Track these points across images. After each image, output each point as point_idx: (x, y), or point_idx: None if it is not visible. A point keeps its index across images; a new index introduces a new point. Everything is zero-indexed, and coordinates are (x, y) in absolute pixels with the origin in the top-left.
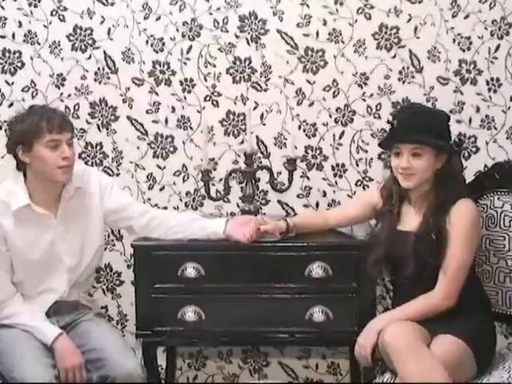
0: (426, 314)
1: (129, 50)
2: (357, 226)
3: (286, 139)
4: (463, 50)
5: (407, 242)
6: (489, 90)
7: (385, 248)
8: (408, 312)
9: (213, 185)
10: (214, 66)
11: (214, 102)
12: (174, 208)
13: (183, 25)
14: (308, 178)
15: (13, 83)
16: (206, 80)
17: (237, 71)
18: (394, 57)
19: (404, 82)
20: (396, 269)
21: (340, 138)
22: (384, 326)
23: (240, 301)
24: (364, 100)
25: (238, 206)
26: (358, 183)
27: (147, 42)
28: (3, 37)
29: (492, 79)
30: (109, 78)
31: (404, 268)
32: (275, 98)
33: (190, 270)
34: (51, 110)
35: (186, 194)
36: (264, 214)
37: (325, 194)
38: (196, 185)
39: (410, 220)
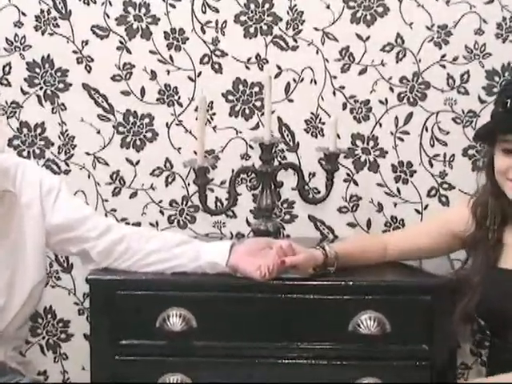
0: None
1: None
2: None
3: (323, 124)
4: None
5: None
6: None
7: (480, 295)
8: None
9: (211, 191)
10: (217, 10)
11: (216, 66)
12: (152, 225)
13: None
14: (356, 183)
15: None
16: (203, 32)
17: (250, 19)
18: (491, 1)
19: (505, 40)
20: (496, 326)
21: (406, 123)
22: None
23: (249, 368)
24: (443, 66)
25: (248, 223)
26: (433, 193)
27: None
28: None
29: None
30: (57, 25)
31: (509, 325)
32: (308, 62)
33: (175, 319)
34: None
35: (171, 204)
36: (288, 236)
37: (381, 208)
38: (185, 190)
39: None
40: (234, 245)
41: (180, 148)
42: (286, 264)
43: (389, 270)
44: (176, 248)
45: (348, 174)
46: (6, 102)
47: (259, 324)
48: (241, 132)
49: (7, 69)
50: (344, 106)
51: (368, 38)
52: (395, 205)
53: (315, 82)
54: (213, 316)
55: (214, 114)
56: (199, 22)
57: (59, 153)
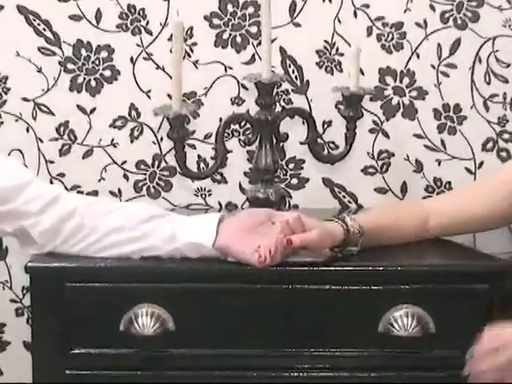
0: None
1: None
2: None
3: (340, 55)
4: None
5: None
6: None
7: None
8: None
9: (192, 147)
10: None
11: None
12: (113, 194)
13: None
14: (386, 135)
15: None
16: None
17: None
18: None
19: None
20: None
21: (452, 52)
22: None
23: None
24: None
25: (242, 190)
26: (489, 146)
27: None
28: None
29: None
30: None
31: None
32: None
33: (146, 320)
34: None
35: (138, 166)
36: (296, 207)
37: (420, 168)
38: (157, 147)
39: None
40: (224, 219)
41: (149, 91)
42: (294, 244)
43: (431, 250)
44: (145, 224)
45: (375, 123)
46: None
47: (258, 325)
48: (231, 68)
49: None
50: (369, 32)
51: None
52: (439, 162)
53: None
54: (196, 315)
55: (195, 44)
56: None
57: None
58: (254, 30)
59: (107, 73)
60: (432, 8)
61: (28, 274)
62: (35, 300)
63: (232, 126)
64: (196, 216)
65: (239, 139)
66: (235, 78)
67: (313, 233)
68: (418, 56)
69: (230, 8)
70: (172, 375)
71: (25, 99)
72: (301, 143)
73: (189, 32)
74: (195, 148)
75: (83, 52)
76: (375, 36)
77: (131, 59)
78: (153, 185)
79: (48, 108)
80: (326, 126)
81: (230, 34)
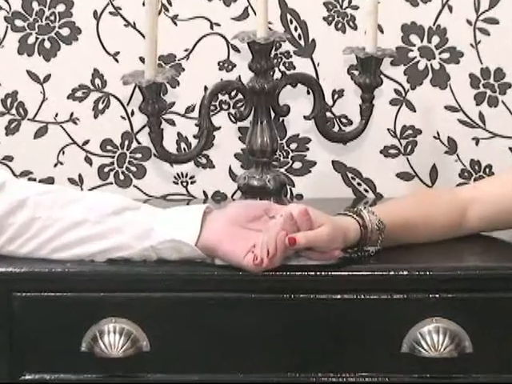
0: None
1: None
2: None
3: (354, 9)
4: None
5: None
6: None
7: None
8: None
9: (170, 123)
10: None
11: None
12: (73, 182)
13: None
14: (411, 108)
15: None
16: None
17: None
18: None
19: None
20: None
21: (493, 4)
22: None
23: None
24: None
25: (232, 176)
26: None
27: None
28: None
29: None
30: None
31: None
32: None
33: (114, 338)
34: None
35: (103, 147)
36: (300, 197)
37: (454, 148)
38: (128, 123)
39: None
40: (210, 212)
41: (118, 53)
42: (298, 244)
43: (469, 250)
44: (112, 218)
45: (398, 92)
46: None
47: (254, 344)
48: (218, 24)
49: None
50: None
51: None
52: (477, 141)
53: None
54: (176, 332)
55: None
56: None
57: None
58: None
59: (65, 31)
60: None
61: None
62: None
63: (220, 97)
64: (175, 208)
65: (229, 113)
66: (223, 38)
67: (322, 230)
68: (451, 9)
69: None
70: None
71: None
72: (305, 118)
73: None
74: (174, 124)
75: (35, 5)
76: None
77: (94, 14)
78: (122, 170)
79: None
80: (336, 96)
81: None
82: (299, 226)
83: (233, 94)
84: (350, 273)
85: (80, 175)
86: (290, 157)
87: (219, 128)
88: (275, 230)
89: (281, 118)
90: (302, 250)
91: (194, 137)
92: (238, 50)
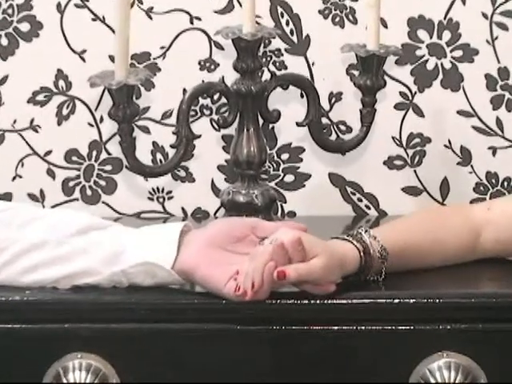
0: None
1: None
2: None
3: (354, 0)
4: None
5: None
6: None
7: None
8: None
9: (144, 131)
10: None
11: None
12: (33, 198)
13: None
14: (419, 113)
15: None
16: None
17: None
18: None
19: None
20: None
21: None
22: None
23: None
24: None
25: (215, 190)
26: None
27: None
28: None
29: None
30: None
31: None
32: None
33: (79, 375)
34: None
35: (68, 159)
36: (293, 214)
37: (468, 158)
38: (96, 131)
39: None
40: (188, 231)
41: (84, 51)
42: (288, 278)
43: (484, 274)
44: (77, 238)
45: (404, 95)
46: None
47: (238, 383)
48: (199, 18)
49: None
50: None
51: None
52: (494, 151)
53: None
54: (149, 369)
55: None
56: None
57: None
58: None
59: (24, 26)
60: None
61: None
62: None
63: (201, 101)
64: (149, 227)
65: (211, 119)
66: (205, 33)
67: (316, 263)
68: (464, 0)
69: None
70: None
71: None
72: (298, 125)
73: None
74: (149, 132)
75: None
76: None
77: (58, 7)
78: (89, 184)
79: None
80: (333, 99)
81: None
82: (290, 257)
83: (215, 97)
84: (349, 301)
85: (41, 190)
86: (280, 169)
87: (200, 136)
88: (263, 260)
89: (270, 125)
90: (293, 283)
91: (172, 146)
92: (221, 48)
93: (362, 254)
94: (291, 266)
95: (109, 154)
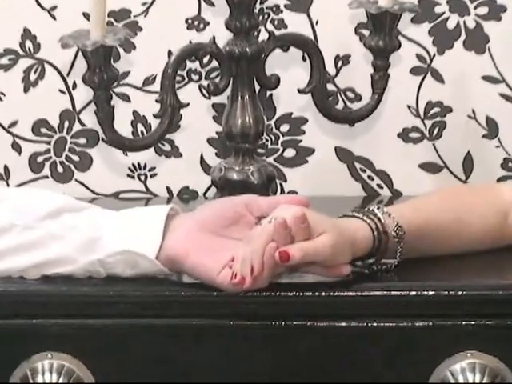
0: None
1: None
2: None
3: None
4: None
5: None
6: None
7: None
8: None
9: (124, 99)
10: None
11: None
12: None
13: None
14: (438, 78)
15: None
16: None
17: None
18: None
19: None
20: None
21: None
22: None
23: None
24: None
25: (204, 167)
26: None
27: None
28: None
29: None
30: None
31: None
32: None
33: (49, 377)
34: None
35: (36, 130)
36: (293, 193)
37: (494, 131)
38: (68, 99)
39: None
40: (175, 215)
41: (54, 7)
42: (293, 260)
43: None
44: (47, 222)
45: (421, 58)
46: None
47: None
48: None
49: None
50: None
51: None
52: None
53: None
54: (130, 369)
55: None
56: None
57: None
58: None
59: None
60: None
61: None
62: None
63: (188, 65)
64: (131, 210)
65: (200, 85)
66: None
67: (323, 240)
68: None
69: None
70: None
71: None
72: (300, 92)
73: None
74: (129, 100)
75: None
76: None
77: None
78: (61, 160)
79: None
80: (340, 63)
81: None
82: (294, 236)
83: (205, 60)
84: (359, 293)
85: (6, 167)
86: (280, 142)
87: (187, 105)
88: (262, 241)
89: (268, 92)
90: (298, 266)
91: (155, 116)
92: (211, 4)
93: (374, 232)
94: (294, 246)
95: (83, 125)
